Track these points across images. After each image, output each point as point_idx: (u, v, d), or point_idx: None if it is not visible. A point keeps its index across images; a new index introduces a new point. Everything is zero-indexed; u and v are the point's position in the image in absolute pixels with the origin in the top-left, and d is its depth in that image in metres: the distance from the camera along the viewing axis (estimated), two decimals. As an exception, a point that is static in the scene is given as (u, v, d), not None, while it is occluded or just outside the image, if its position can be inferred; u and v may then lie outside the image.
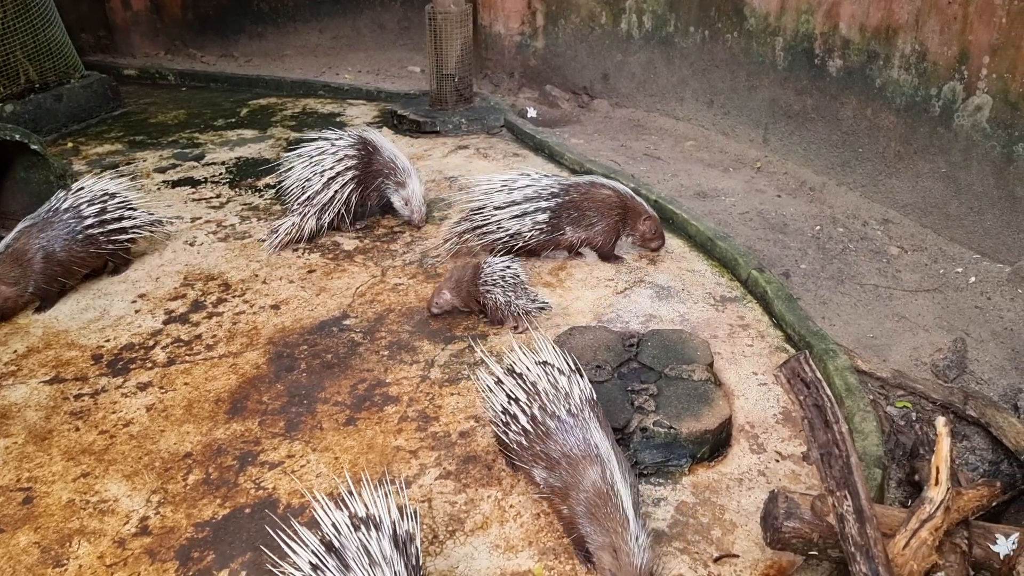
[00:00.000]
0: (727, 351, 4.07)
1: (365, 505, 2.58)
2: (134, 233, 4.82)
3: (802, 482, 3.27)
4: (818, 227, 5.48)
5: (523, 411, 2.99)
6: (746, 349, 4.10)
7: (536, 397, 2.98)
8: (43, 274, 4.44)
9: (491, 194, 4.76)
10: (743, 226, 5.51)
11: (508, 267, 4.26)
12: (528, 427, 2.96)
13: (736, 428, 3.55)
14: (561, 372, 3.06)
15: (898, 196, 5.57)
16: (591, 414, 2.92)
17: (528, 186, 4.74)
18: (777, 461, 3.39)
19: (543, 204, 4.67)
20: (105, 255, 4.75)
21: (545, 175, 4.85)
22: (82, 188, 4.68)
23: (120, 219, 4.71)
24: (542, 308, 4.35)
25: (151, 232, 4.99)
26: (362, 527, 2.48)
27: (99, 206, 4.64)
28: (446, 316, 4.34)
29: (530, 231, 4.69)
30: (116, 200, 4.73)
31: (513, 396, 3.06)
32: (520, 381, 3.08)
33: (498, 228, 4.70)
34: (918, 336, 4.37)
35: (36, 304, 4.54)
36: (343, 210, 5.11)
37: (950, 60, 5.02)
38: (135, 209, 4.82)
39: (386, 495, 2.60)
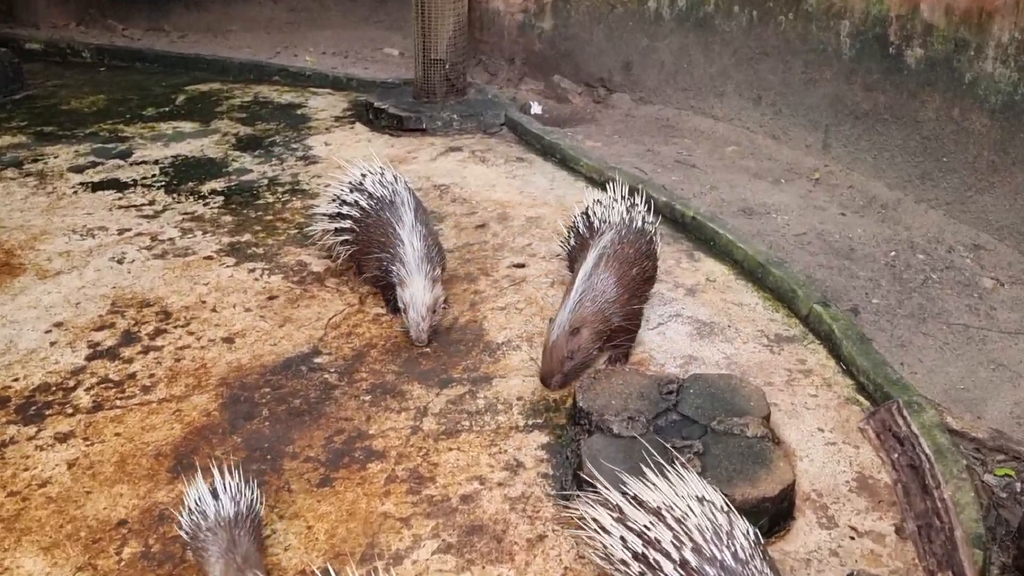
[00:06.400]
0: (786, 402, 4.14)
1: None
2: None
3: (884, 564, 3.32)
4: (893, 253, 5.59)
5: (667, 557, 2.83)
6: (809, 400, 4.17)
7: (688, 538, 2.84)
8: None
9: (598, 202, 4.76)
10: (799, 250, 5.61)
11: None
12: None
13: (800, 496, 3.60)
14: (715, 507, 2.96)
15: (992, 216, 5.70)
16: (763, 562, 2.80)
17: (601, 205, 4.67)
18: (852, 538, 3.44)
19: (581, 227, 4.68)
20: None
21: (630, 203, 4.69)
22: None
23: None
24: None
25: None
26: None
27: None
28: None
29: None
30: None
31: (651, 538, 2.91)
32: (657, 517, 2.95)
33: (572, 225, 4.79)
34: (1020, 388, 4.46)
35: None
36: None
37: (1055, 52, 5.18)
38: None
39: None
